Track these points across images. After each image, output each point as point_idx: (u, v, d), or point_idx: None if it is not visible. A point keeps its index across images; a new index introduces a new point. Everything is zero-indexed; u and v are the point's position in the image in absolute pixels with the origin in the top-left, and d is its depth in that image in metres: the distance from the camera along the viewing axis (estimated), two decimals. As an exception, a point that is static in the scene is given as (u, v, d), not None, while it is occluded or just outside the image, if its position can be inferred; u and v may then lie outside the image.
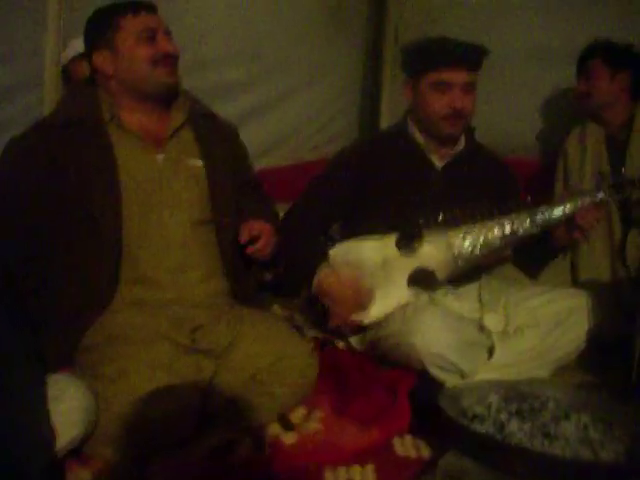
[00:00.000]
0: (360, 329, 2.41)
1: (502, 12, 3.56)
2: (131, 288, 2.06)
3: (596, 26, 3.28)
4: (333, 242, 2.46)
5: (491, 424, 1.83)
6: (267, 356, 2.05)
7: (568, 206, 2.36)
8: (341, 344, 2.51)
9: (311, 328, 2.56)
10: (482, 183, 2.50)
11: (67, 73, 2.72)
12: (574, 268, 2.89)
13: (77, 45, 2.61)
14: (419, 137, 2.50)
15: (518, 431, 1.80)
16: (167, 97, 2.14)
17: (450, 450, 1.81)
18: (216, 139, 2.25)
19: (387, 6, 3.79)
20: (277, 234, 2.24)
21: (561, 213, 2.36)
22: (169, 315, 2.04)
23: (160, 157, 2.13)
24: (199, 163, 2.18)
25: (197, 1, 3.11)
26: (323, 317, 2.42)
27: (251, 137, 3.24)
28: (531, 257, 2.57)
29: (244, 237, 2.15)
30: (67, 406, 1.73)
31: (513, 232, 2.35)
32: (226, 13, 3.23)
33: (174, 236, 2.10)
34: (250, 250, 2.16)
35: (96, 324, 2.01)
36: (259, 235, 2.16)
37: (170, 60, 2.09)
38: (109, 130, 2.09)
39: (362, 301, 2.33)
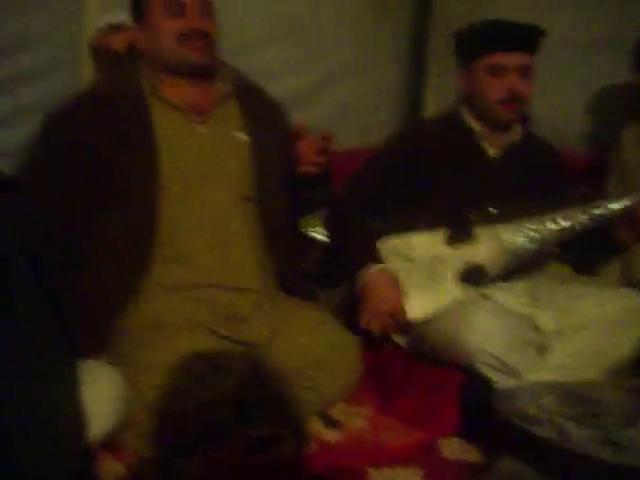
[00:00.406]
0: (406, 328, 2.29)
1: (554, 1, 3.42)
2: (167, 268, 1.95)
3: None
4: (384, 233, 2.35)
5: (549, 428, 1.71)
6: (315, 349, 1.95)
7: (626, 201, 2.25)
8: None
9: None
10: (537, 174, 2.40)
11: (100, 49, 2.61)
12: (628, 267, 2.74)
13: (110, 19, 2.55)
14: (474, 124, 2.40)
15: (579, 437, 1.68)
16: (197, 74, 2.04)
17: (505, 454, 1.70)
18: (263, 114, 2.15)
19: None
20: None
21: (619, 208, 2.25)
22: (208, 301, 1.94)
23: (203, 129, 2.04)
24: (244, 137, 2.07)
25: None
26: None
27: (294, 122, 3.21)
28: (587, 254, 2.45)
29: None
30: (99, 395, 1.65)
31: (568, 227, 2.25)
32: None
33: (216, 211, 1.99)
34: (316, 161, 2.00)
35: (131, 308, 1.91)
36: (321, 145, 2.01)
37: (198, 37, 1.99)
38: (149, 102, 2.00)
39: (400, 315, 2.20)
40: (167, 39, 1.98)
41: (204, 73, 2.05)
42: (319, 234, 2.61)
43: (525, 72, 2.32)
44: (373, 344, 2.21)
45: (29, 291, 1.56)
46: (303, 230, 2.93)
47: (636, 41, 2.81)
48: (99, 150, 1.94)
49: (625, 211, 2.25)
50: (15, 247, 1.57)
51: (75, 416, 1.57)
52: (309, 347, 1.95)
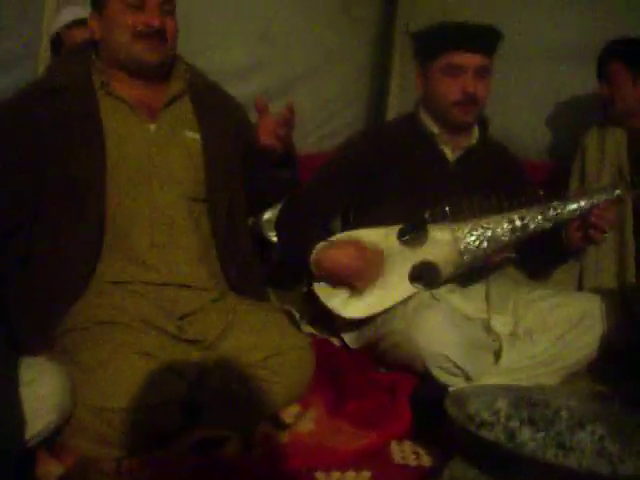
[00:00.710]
0: (358, 324, 2.28)
1: (518, 6, 3.42)
2: (114, 265, 1.91)
3: (618, 22, 3.19)
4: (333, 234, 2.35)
5: (501, 431, 1.69)
6: (262, 349, 1.90)
7: (583, 202, 2.25)
8: (336, 342, 2.39)
9: (307, 324, 2.44)
10: (494, 177, 2.39)
11: (59, 42, 2.58)
12: (581, 274, 2.74)
13: (71, 12, 2.54)
14: (432, 126, 2.38)
15: (530, 440, 1.66)
16: (150, 73, 1.99)
17: (455, 458, 1.67)
18: (218, 112, 2.10)
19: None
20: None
21: (575, 208, 2.25)
22: (156, 299, 1.90)
23: (152, 127, 1.99)
24: (195, 136, 2.03)
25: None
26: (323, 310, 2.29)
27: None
28: (540, 259, 2.45)
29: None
30: (41, 391, 1.59)
31: (523, 227, 2.25)
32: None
33: (163, 210, 1.95)
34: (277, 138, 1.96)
35: (77, 306, 1.86)
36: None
37: (155, 35, 1.93)
38: (98, 97, 1.96)
39: (372, 259, 2.21)
40: (122, 34, 1.93)
41: (157, 72, 2.01)
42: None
43: (482, 73, 2.30)
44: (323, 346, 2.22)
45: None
46: (264, 235, 2.92)
47: (601, 50, 2.80)
48: (45, 142, 1.89)
49: (580, 212, 2.24)
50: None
51: (11, 415, 1.52)
52: (259, 346, 1.90)
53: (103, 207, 1.89)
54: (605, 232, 2.23)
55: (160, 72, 2.01)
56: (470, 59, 2.27)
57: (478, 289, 2.37)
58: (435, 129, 2.38)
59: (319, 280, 2.26)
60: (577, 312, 2.27)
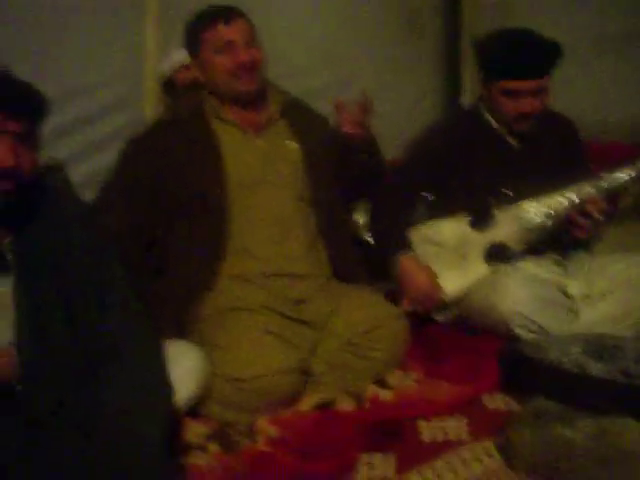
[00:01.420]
0: (443, 307, 2.55)
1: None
2: (236, 261, 2.25)
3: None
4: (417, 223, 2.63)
5: (572, 366, 1.94)
6: (363, 323, 2.22)
7: (631, 171, 2.45)
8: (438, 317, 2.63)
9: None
10: (556, 153, 2.59)
11: (172, 82, 2.90)
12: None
13: (180, 56, 2.84)
14: (494, 122, 2.60)
15: (598, 371, 1.90)
16: (251, 99, 2.34)
17: (536, 396, 1.93)
18: (310, 127, 2.44)
19: (461, 13, 3.92)
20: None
21: (624, 178, 2.46)
22: (272, 287, 2.24)
23: (260, 142, 2.35)
24: (295, 145, 2.38)
25: (281, 16, 3.34)
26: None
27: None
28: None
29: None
30: (184, 367, 1.93)
31: (581, 201, 2.45)
32: (307, 25, 3.45)
33: (276, 211, 2.30)
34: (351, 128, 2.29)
35: (207, 298, 2.23)
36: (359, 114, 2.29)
37: (247, 69, 2.27)
38: (213, 124, 2.32)
39: (435, 294, 2.48)
40: (220, 75, 2.28)
41: (256, 97, 2.35)
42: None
43: (538, 93, 2.46)
44: (417, 320, 2.48)
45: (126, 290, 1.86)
46: (362, 237, 3.20)
47: None
48: (174, 165, 2.28)
49: (631, 182, 2.45)
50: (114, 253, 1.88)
51: (165, 383, 1.85)
52: (362, 321, 2.22)
53: (224, 214, 2.25)
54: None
55: (258, 96, 2.36)
56: (525, 84, 2.43)
57: (553, 258, 2.60)
58: (496, 124, 2.60)
59: None
60: (641, 272, 2.47)
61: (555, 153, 2.60)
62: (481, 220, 2.54)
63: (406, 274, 2.47)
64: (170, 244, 2.30)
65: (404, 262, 2.48)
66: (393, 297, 2.48)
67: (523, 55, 2.44)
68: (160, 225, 2.30)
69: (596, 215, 2.40)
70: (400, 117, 3.85)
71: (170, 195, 2.28)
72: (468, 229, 2.56)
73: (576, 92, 3.56)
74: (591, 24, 3.57)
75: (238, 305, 2.19)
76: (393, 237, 2.57)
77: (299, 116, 2.45)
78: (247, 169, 2.30)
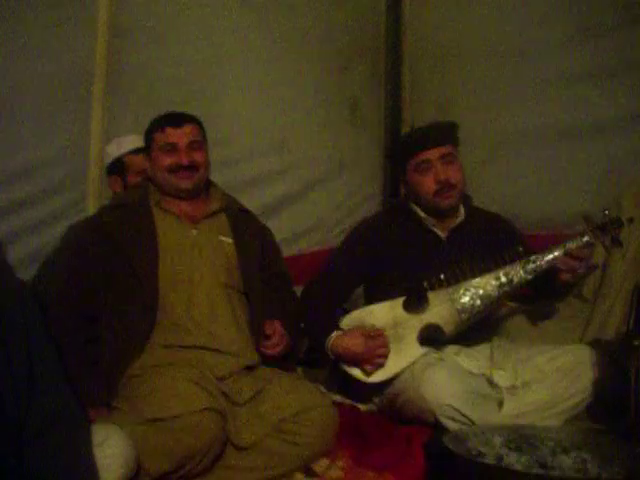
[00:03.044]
0: (379, 387, 2.61)
1: (515, 95, 3.78)
2: (167, 333, 2.37)
3: (613, 101, 3.53)
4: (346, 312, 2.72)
5: (492, 458, 1.99)
6: (291, 407, 2.26)
7: (557, 252, 2.61)
8: (363, 407, 2.70)
9: (336, 392, 2.77)
10: (485, 245, 2.72)
11: (122, 163, 2.99)
12: (584, 331, 3.00)
13: (132, 141, 2.97)
14: (421, 214, 2.74)
15: (516, 463, 1.96)
16: (187, 195, 2.55)
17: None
18: (248, 230, 2.64)
19: (401, 98, 4.09)
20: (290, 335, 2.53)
21: (552, 258, 2.61)
22: (198, 360, 2.32)
23: (195, 232, 2.53)
24: (229, 240, 2.56)
25: (230, 102, 3.44)
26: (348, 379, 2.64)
27: (281, 226, 3.59)
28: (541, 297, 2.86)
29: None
30: (110, 451, 1.93)
31: (509, 282, 2.59)
32: (256, 112, 3.54)
33: (204, 295, 2.44)
34: (262, 346, 2.46)
35: (135, 364, 2.32)
36: (271, 335, 2.46)
37: (186, 169, 2.51)
38: (154, 212, 2.53)
39: (377, 343, 2.56)
40: (162, 172, 2.54)
41: (194, 194, 2.56)
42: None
43: (448, 160, 2.68)
44: (346, 409, 2.56)
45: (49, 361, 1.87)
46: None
47: None
48: (116, 248, 2.44)
49: (556, 261, 2.60)
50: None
51: (91, 472, 1.85)
52: (287, 405, 2.26)
53: (156, 292, 2.40)
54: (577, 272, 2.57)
55: (196, 193, 2.56)
56: (433, 152, 2.67)
57: (482, 349, 2.69)
58: (425, 216, 2.74)
59: None
60: (569, 362, 2.57)
61: (479, 243, 2.73)
62: (415, 303, 2.62)
63: (343, 349, 2.56)
64: (106, 315, 2.41)
65: (336, 340, 2.58)
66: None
67: (423, 131, 2.73)
68: (98, 299, 2.42)
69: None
70: (343, 203, 3.96)
71: (108, 274, 2.42)
72: (402, 312, 2.63)
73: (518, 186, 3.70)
74: (526, 119, 3.72)
75: (162, 370, 2.27)
76: (323, 323, 2.66)
77: (239, 217, 2.65)
78: (179, 255, 2.47)
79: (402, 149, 2.78)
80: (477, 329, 2.67)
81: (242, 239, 2.59)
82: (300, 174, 3.79)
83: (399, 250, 2.71)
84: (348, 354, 2.57)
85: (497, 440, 2.13)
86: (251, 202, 3.17)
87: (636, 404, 2.23)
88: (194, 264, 2.47)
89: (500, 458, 1.99)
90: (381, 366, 2.56)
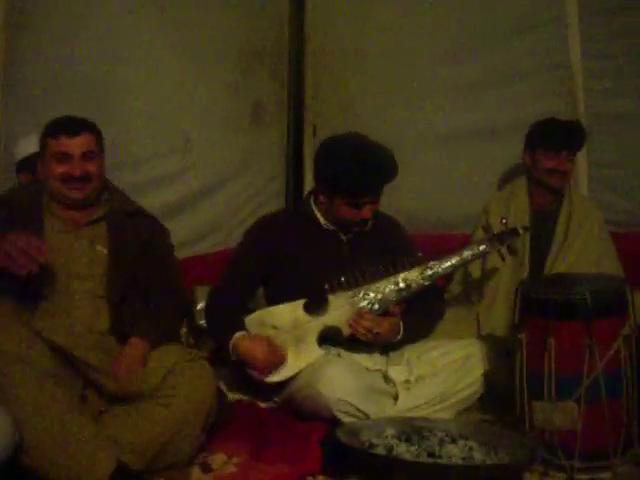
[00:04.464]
0: (278, 386, 2.64)
1: (413, 99, 3.91)
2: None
3: (506, 107, 3.72)
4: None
5: (382, 449, 2.06)
6: (160, 370, 2.28)
7: (454, 260, 2.69)
8: (263, 404, 2.73)
9: (236, 392, 2.80)
10: (384, 248, 2.78)
11: (31, 163, 2.93)
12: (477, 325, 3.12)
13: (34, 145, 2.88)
14: (323, 221, 2.77)
15: (405, 452, 2.03)
16: (78, 206, 2.52)
17: (350, 475, 2.03)
18: (129, 234, 2.60)
19: (305, 102, 4.14)
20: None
21: (449, 265, 2.70)
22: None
23: (77, 240, 2.52)
24: (104, 251, 2.53)
25: (131, 102, 3.42)
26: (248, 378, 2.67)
27: (183, 226, 3.59)
28: None
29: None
30: None
31: (407, 287, 2.66)
32: (157, 108, 3.52)
33: (74, 303, 2.44)
34: None
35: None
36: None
37: (77, 180, 2.47)
38: (43, 211, 2.52)
39: (276, 357, 2.59)
40: (53, 180, 2.49)
41: (84, 204, 2.53)
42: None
43: (376, 200, 2.69)
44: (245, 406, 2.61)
45: None
46: (197, 323, 3.30)
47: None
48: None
49: (454, 268, 2.71)
50: None
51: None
52: (155, 369, 2.29)
53: (38, 296, 2.41)
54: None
55: (86, 203, 2.53)
56: (364, 199, 2.64)
57: (378, 350, 2.75)
58: (325, 222, 2.77)
59: None
60: (460, 357, 2.67)
61: (382, 248, 2.78)
62: (315, 305, 2.67)
63: (244, 350, 2.60)
64: None
65: (238, 341, 2.61)
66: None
67: (367, 176, 2.62)
68: None
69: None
70: (246, 203, 3.98)
71: None
72: (303, 313, 2.67)
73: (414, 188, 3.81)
74: (425, 123, 3.84)
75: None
76: (226, 324, 2.69)
77: (121, 222, 2.60)
78: (58, 256, 2.43)
79: (336, 185, 2.67)
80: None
81: (118, 249, 2.56)
82: (202, 175, 3.77)
83: (299, 250, 2.74)
84: (248, 357, 2.60)
85: (389, 432, 2.20)
86: (153, 202, 3.19)
87: (521, 396, 2.32)
88: (71, 272, 2.46)
89: (390, 448, 2.06)
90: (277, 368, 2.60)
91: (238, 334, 2.63)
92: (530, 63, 3.73)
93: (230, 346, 2.62)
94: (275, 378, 2.62)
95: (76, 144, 2.46)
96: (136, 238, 2.61)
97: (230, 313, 2.73)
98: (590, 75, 3.67)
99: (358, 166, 2.60)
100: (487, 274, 3.12)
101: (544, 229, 3.17)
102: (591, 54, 3.66)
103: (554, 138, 3.09)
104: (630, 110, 3.60)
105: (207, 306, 2.85)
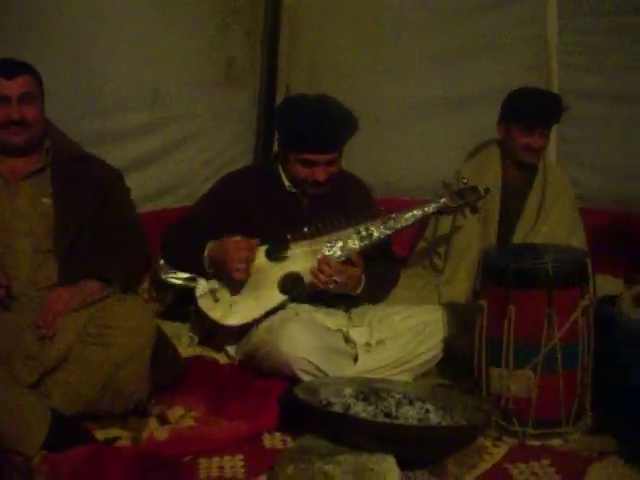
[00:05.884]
0: (239, 338, 2.67)
1: (390, 68, 3.90)
2: None
3: (478, 77, 3.73)
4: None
5: (340, 407, 2.08)
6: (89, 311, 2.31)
7: (416, 211, 2.73)
8: (223, 360, 2.74)
9: (197, 346, 2.80)
10: (346, 206, 2.76)
11: None
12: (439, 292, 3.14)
13: None
14: (287, 182, 2.77)
15: (362, 412, 2.05)
16: (19, 152, 2.46)
17: (306, 432, 2.05)
18: (77, 182, 2.53)
19: (278, 60, 4.12)
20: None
21: (410, 216, 2.72)
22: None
23: (18, 193, 2.46)
24: (49, 202, 2.47)
25: (101, 48, 3.36)
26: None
27: (153, 178, 3.58)
28: None
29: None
30: None
31: (369, 236, 2.67)
32: (128, 61, 3.46)
33: (18, 259, 2.41)
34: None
35: None
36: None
37: (16, 125, 2.41)
38: None
39: (248, 244, 2.63)
40: None
41: (26, 150, 2.47)
42: (177, 279, 2.96)
43: (330, 163, 2.68)
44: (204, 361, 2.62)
45: None
46: (160, 277, 3.27)
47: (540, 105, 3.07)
48: None
49: (415, 220, 2.73)
50: None
51: None
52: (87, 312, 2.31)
53: None
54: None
55: (28, 149, 2.47)
56: (319, 157, 2.64)
57: (341, 310, 2.77)
58: (289, 184, 2.77)
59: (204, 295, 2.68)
60: (421, 322, 2.69)
61: (344, 206, 2.77)
62: (277, 251, 2.67)
63: (217, 251, 2.64)
64: None
65: (210, 251, 2.66)
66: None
67: (319, 131, 2.62)
68: None
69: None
70: (214, 159, 3.96)
71: None
72: (264, 259, 2.68)
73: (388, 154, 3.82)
74: (400, 92, 3.85)
75: None
76: (193, 247, 2.71)
77: (67, 170, 2.54)
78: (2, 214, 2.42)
79: (292, 137, 2.70)
80: (336, 298, 2.74)
81: (64, 198, 2.50)
82: (171, 129, 3.74)
83: (259, 208, 2.74)
84: (220, 255, 2.62)
85: (347, 391, 2.22)
86: (120, 155, 3.18)
87: (479, 362, 2.35)
88: (12, 227, 2.42)
89: (348, 407, 2.08)
90: (240, 271, 2.60)
91: (210, 243, 2.66)
92: (506, 35, 3.74)
93: (206, 257, 2.65)
94: (234, 322, 2.63)
95: (15, 87, 2.39)
96: (85, 186, 2.55)
97: (192, 241, 2.73)
98: (565, 50, 3.69)
99: (310, 121, 2.63)
100: (454, 242, 3.14)
101: (514, 201, 3.18)
102: (569, 29, 3.67)
103: (531, 115, 3.04)
104: (604, 87, 3.62)
105: (164, 244, 2.83)
